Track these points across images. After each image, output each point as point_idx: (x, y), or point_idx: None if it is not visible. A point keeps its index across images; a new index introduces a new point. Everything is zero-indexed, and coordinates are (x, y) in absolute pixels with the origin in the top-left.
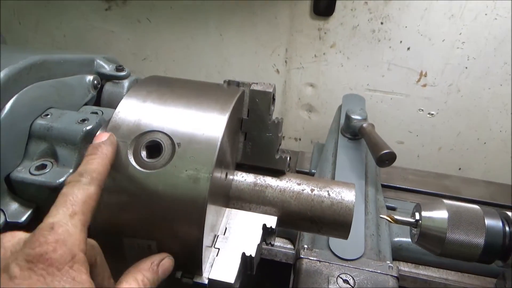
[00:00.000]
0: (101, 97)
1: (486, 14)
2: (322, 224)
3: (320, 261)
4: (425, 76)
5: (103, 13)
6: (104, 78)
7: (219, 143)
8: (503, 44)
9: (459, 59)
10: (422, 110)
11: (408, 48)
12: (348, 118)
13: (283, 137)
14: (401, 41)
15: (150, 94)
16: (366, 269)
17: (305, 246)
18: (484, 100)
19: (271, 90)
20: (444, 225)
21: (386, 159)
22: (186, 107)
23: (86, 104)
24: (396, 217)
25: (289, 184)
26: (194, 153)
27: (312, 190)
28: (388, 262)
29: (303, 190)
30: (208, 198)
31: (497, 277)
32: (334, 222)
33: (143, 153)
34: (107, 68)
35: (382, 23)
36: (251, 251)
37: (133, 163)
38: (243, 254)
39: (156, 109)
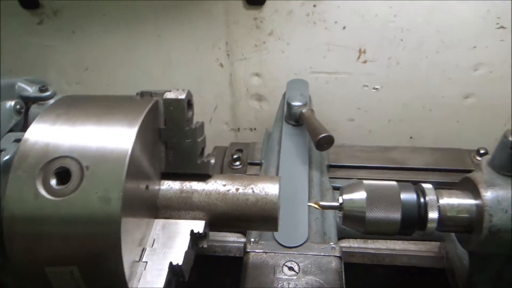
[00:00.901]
0: (27, 121)
1: None
2: (250, 221)
3: (266, 252)
4: (364, 53)
5: (36, 28)
6: (29, 100)
7: (127, 160)
8: (432, 13)
9: (393, 32)
10: (367, 86)
11: (344, 27)
12: (289, 105)
13: (238, 129)
14: (336, 21)
15: (59, 117)
16: (310, 253)
17: (252, 239)
18: (423, 69)
19: (183, 96)
20: (363, 205)
21: (324, 142)
22: (95, 126)
23: (12, 130)
24: (322, 203)
25: (214, 186)
26: (104, 174)
27: (237, 190)
28: (331, 243)
29: (228, 190)
30: (122, 216)
31: (440, 241)
32: (262, 218)
33: (53, 181)
34: (30, 90)
35: (314, 5)
36: (178, 260)
37: (43, 192)
38: (171, 263)
39: (64, 132)
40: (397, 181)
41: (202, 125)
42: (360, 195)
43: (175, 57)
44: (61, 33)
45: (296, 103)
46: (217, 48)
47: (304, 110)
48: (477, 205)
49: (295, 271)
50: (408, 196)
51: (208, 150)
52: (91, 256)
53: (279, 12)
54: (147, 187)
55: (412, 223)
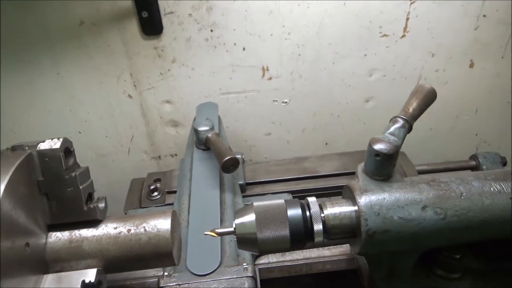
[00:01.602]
0: None
1: (298, 5)
2: (146, 260)
3: (179, 284)
4: (268, 70)
5: None
6: None
7: None
8: (322, 28)
9: (290, 49)
10: (276, 100)
11: (244, 48)
12: (196, 131)
13: (159, 157)
14: (235, 43)
15: None
16: (224, 278)
17: (165, 273)
18: (325, 79)
19: (58, 146)
20: (253, 228)
21: (230, 165)
22: None
23: None
24: (218, 230)
25: (105, 231)
26: None
27: (129, 231)
28: (244, 264)
29: (120, 233)
30: None
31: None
32: (157, 255)
33: None
34: None
35: (212, 30)
36: None
37: None
38: None
39: None
40: (310, 189)
41: (86, 170)
42: (250, 217)
43: (79, 93)
44: None
45: (202, 128)
46: (122, 80)
47: (209, 135)
48: (355, 211)
49: None
50: (294, 212)
51: (126, 183)
52: None
53: (178, 40)
54: (27, 244)
55: (301, 237)
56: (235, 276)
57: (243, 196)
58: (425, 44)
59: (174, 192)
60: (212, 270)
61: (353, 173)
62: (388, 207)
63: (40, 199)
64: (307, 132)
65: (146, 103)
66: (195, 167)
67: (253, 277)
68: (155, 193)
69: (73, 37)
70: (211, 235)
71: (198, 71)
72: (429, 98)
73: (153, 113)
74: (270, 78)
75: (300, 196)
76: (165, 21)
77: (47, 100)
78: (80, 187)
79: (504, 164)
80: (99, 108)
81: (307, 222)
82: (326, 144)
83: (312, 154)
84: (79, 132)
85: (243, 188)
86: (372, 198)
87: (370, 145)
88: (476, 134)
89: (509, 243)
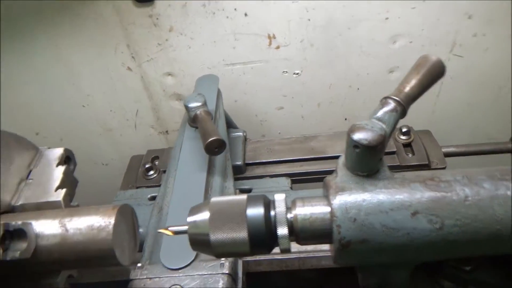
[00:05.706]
0: None
1: None
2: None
3: (150, 278)
4: (274, 38)
5: None
6: None
7: None
8: None
9: (298, 13)
10: (287, 72)
11: (246, 14)
12: (186, 108)
13: (166, 131)
14: (235, 9)
15: None
16: (197, 273)
17: (138, 265)
18: (340, 47)
19: None
20: (206, 227)
21: (214, 147)
22: None
23: None
24: (172, 228)
25: None
26: None
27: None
28: (222, 259)
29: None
30: None
31: None
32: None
33: None
34: None
35: None
36: None
37: None
38: None
39: None
40: (315, 172)
41: None
42: (203, 215)
43: (79, 67)
44: None
45: (192, 104)
46: (119, 52)
47: (198, 112)
48: (330, 214)
49: None
50: (254, 211)
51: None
52: None
53: (173, 7)
54: None
55: (263, 239)
56: (209, 272)
57: (242, 178)
58: (459, 4)
59: None
60: (186, 264)
61: None
62: (368, 211)
63: None
64: (323, 106)
65: (147, 75)
66: (184, 146)
67: (230, 274)
68: (151, 172)
69: (65, 6)
70: (165, 233)
71: (198, 41)
72: (434, 74)
73: (155, 86)
74: (277, 47)
75: (303, 180)
76: None
77: (47, 72)
78: None
79: None
80: (100, 82)
81: (270, 223)
82: (346, 119)
83: (327, 131)
84: (83, 106)
85: (241, 169)
86: (348, 200)
87: (348, 134)
88: None
89: None
